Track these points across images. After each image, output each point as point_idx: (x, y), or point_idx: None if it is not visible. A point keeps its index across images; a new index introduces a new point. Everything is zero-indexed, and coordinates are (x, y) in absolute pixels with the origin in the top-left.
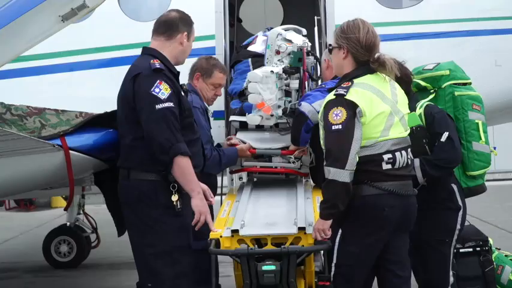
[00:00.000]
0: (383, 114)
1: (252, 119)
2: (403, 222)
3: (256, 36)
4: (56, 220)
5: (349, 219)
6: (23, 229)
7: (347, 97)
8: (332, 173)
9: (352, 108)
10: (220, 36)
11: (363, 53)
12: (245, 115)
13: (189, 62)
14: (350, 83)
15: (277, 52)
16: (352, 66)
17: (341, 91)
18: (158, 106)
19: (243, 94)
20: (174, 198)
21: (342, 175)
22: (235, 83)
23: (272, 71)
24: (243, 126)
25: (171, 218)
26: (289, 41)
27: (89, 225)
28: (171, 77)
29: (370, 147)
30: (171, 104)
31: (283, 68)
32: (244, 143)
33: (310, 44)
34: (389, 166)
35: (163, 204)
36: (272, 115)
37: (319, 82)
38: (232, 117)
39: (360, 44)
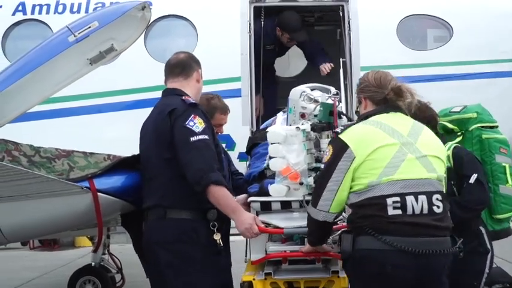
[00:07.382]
0: (385, 148)
1: (277, 189)
2: None
3: (276, 117)
4: (80, 260)
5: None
6: (47, 269)
7: (340, 135)
8: (308, 207)
9: (340, 146)
10: (246, 78)
11: (375, 90)
12: (266, 195)
13: None
14: (357, 121)
15: (302, 115)
16: (371, 108)
17: (339, 129)
18: (193, 138)
19: (264, 176)
20: (217, 236)
21: (314, 212)
22: (253, 167)
23: (298, 127)
24: (265, 208)
25: (212, 257)
26: (316, 101)
27: (114, 265)
28: (205, 112)
29: (369, 190)
30: (206, 136)
31: (311, 125)
32: (269, 225)
33: (341, 105)
34: (397, 212)
35: (203, 243)
36: (301, 183)
37: None
38: (251, 198)
39: (370, 83)
